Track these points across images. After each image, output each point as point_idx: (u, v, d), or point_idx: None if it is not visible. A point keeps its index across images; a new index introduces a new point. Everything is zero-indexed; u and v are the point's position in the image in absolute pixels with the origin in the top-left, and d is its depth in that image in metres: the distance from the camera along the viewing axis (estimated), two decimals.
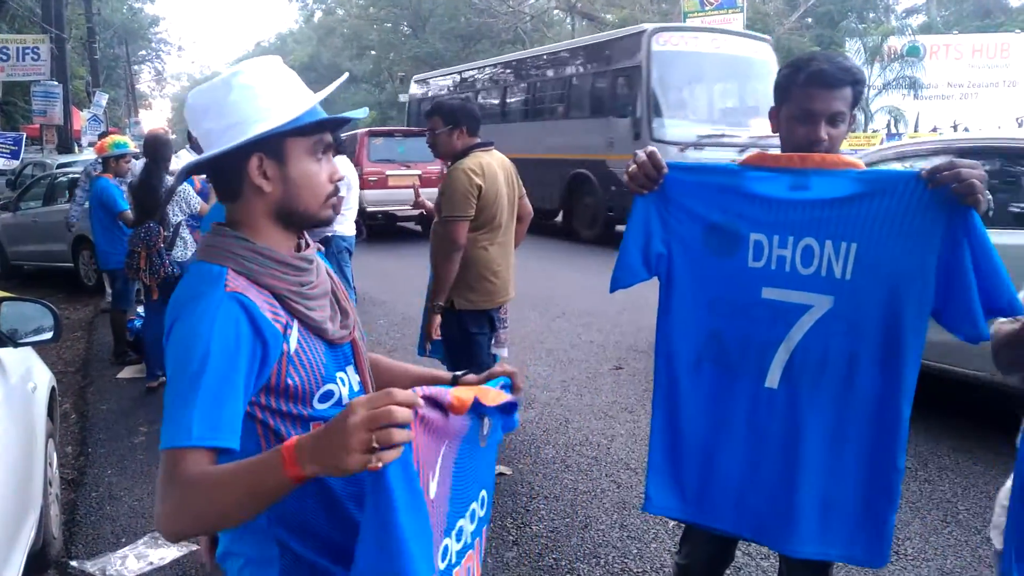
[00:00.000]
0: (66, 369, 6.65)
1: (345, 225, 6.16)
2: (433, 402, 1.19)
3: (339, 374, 1.39)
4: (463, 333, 3.77)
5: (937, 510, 3.67)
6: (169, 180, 5.57)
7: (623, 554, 3.37)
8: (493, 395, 1.33)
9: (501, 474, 4.20)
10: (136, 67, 46.44)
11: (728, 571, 2.40)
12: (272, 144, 1.31)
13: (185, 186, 5.59)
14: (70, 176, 10.16)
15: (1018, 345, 1.58)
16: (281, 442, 1.13)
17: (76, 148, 17.69)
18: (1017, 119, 25.22)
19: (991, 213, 1.61)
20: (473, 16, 36.09)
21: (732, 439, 1.85)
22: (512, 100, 16.57)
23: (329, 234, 5.72)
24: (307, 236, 1.45)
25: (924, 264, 1.62)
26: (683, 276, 1.86)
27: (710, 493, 1.89)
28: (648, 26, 12.97)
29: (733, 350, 1.84)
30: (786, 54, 32.95)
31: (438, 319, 3.72)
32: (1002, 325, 1.64)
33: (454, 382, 1.46)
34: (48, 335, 3.27)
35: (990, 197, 1.60)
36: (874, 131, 25.31)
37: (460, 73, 19.23)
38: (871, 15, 33.32)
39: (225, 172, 1.34)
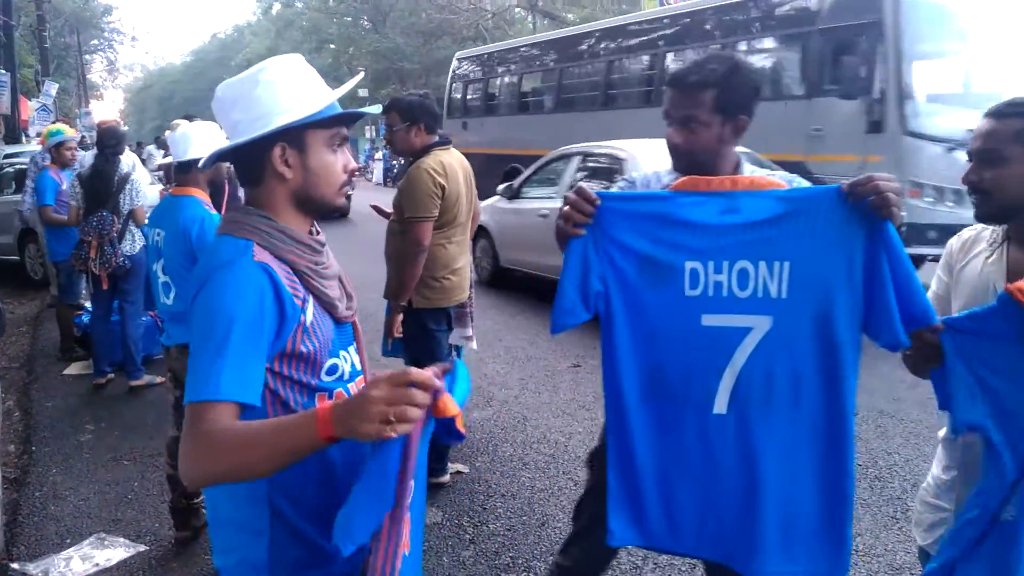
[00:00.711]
0: (10, 365, 6.47)
1: None
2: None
3: (342, 352, 1.51)
4: (422, 331, 3.75)
5: (888, 506, 3.73)
6: (123, 170, 5.52)
7: None
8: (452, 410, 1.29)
9: (458, 472, 4.17)
10: (88, 57, 45.26)
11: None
12: (294, 135, 1.42)
13: (135, 176, 5.57)
14: (16, 167, 9.86)
15: (920, 354, 1.70)
16: (286, 409, 1.34)
17: (24, 138, 17.20)
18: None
19: (904, 229, 1.69)
20: (434, 12, 35.85)
21: (687, 468, 1.82)
22: (622, 76, 12.76)
23: None
24: (315, 224, 1.56)
25: (852, 276, 1.67)
26: (621, 311, 1.79)
27: (672, 520, 1.85)
28: None
29: (676, 382, 1.79)
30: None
31: (399, 318, 3.69)
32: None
33: None
34: None
35: (905, 212, 1.67)
36: None
37: (525, 48, 15.86)
38: None
39: (249, 159, 1.45)
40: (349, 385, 1.51)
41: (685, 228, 1.73)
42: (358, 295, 1.62)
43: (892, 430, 4.66)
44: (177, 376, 3.33)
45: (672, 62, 11.21)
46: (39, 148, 8.04)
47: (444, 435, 1.28)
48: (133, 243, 5.50)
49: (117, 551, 3.48)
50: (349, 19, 43.13)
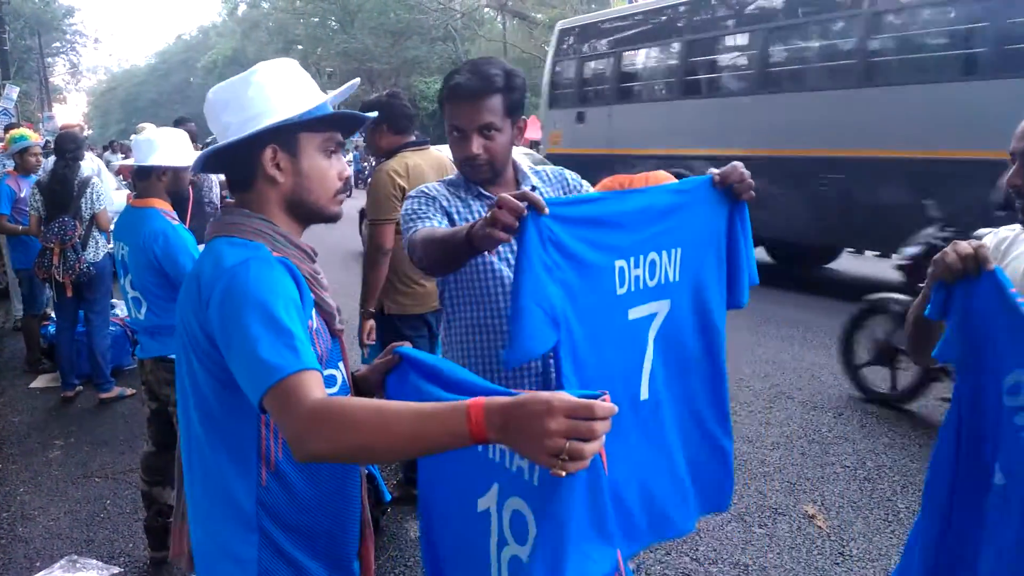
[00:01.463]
0: None
1: None
2: None
3: (336, 366, 1.50)
4: (398, 337, 3.64)
5: (879, 508, 3.71)
6: (83, 174, 5.40)
7: None
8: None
9: None
10: (50, 59, 44.44)
11: None
12: (286, 137, 1.40)
13: (96, 180, 5.46)
14: None
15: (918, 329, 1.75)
16: (269, 425, 1.32)
17: None
18: None
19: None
20: (403, 12, 35.69)
21: (630, 463, 1.83)
22: (807, 49, 9.02)
23: None
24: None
25: (719, 249, 1.94)
26: (572, 324, 1.70)
27: (626, 520, 1.86)
28: None
29: (617, 381, 1.79)
30: None
31: (369, 324, 3.61)
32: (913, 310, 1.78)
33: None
34: None
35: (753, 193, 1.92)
36: None
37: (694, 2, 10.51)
38: None
39: (240, 161, 1.42)
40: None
41: (613, 228, 1.76)
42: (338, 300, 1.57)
43: (877, 429, 4.65)
44: (152, 389, 3.21)
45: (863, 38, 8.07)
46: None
47: None
48: (97, 249, 5.34)
49: (90, 573, 3.35)
50: (316, 20, 42.82)
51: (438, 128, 12.33)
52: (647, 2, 11.74)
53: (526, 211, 1.54)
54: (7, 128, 8.81)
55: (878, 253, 9.21)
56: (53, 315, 6.06)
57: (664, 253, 1.84)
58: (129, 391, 5.51)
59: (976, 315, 1.59)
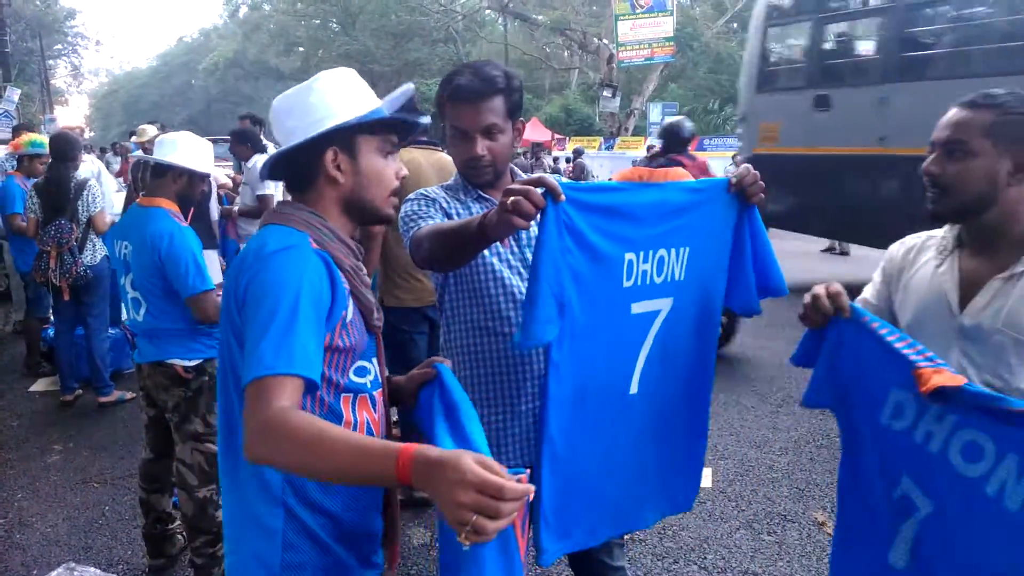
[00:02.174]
0: None
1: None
2: None
3: (370, 359, 1.56)
4: (395, 331, 3.59)
5: None
6: (79, 176, 5.32)
7: None
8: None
9: None
10: (51, 62, 44.41)
11: None
12: (346, 140, 1.49)
13: (92, 182, 5.38)
14: None
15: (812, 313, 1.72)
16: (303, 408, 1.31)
17: None
18: None
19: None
20: (404, 14, 35.63)
21: (608, 455, 1.86)
22: None
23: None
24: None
25: (722, 253, 1.92)
26: (577, 313, 1.70)
27: (594, 513, 1.90)
28: None
29: (608, 373, 1.81)
30: (714, 58, 33.73)
31: None
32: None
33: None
34: None
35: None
36: None
37: None
38: None
39: (302, 163, 1.50)
40: (375, 393, 1.57)
41: (627, 220, 1.75)
42: None
43: None
44: (150, 394, 3.15)
45: None
46: (2, 154, 7.77)
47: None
48: (94, 253, 5.28)
49: None
50: (317, 22, 42.79)
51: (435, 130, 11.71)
52: None
53: (544, 198, 1.53)
54: (16, 130, 8.73)
55: None
56: (52, 318, 6.02)
57: (673, 251, 1.84)
58: (129, 395, 5.46)
59: (843, 356, 1.67)
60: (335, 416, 1.47)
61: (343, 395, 1.48)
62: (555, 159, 20.52)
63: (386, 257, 3.68)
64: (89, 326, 5.42)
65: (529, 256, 1.97)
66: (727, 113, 29.91)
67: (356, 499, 1.50)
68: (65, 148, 5.33)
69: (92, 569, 3.38)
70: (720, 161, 19.94)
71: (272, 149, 6.31)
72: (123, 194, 8.03)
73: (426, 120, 1.63)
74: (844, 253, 12.61)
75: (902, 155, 6.80)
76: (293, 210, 1.50)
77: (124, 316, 5.73)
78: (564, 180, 1.63)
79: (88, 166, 5.88)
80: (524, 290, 1.93)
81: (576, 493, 1.82)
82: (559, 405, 1.73)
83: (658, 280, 1.82)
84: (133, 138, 9.38)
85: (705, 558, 3.39)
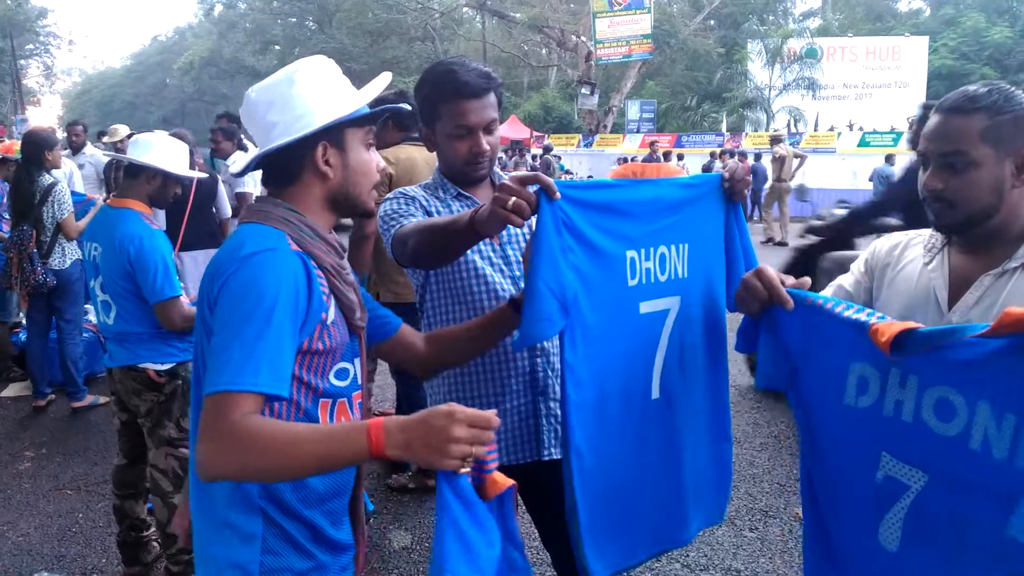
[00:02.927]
0: None
1: None
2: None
3: (352, 360, 1.53)
4: None
5: None
6: (46, 180, 5.11)
7: None
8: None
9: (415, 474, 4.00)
10: (23, 62, 43.78)
11: None
12: (334, 134, 1.46)
13: (61, 186, 5.19)
14: None
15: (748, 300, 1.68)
16: (290, 411, 1.38)
17: None
18: (908, 119, 26.45)
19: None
20: (381, 12, 35.48)
21: (640, 465, 1.79)
22: None
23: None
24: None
25: (719, 248, 1.91)
26: (585, 312, 1.66)
27: (631, 528, 1.81)
28: None
29: (626, 378, 1.75)
30: (691, 55, 33.84)
31: None
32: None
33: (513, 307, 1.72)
34: None
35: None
36: (776, 131, 26.14)
37: None
38: (770, 18, 34.33)
39: (288, 158, 1.45)
40: (353, 396, 1.53)
41: (624, 217, 1.72)
42: None
43: None
44: (121, 399, 3.09)
45: None
46: None
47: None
48: (63, 257, 5.17)
49: None
50: (294, 20, 42.57)
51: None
52: None
53: (535, 195, 1.52)
54: None
55: None
56: (24, 322, 5.91)
57: (673, 248, 1.81)
58: (103, 399, 5.37)
59: (788, 338, 1.62)
60: (311, 421, 1.44)
61: (321, 400, 1.45)
62: (534, 156, 20.56)
63: (383, 251, 3.68)
64: (62, 330, 5.33)
65: (510, 254, 1.97)
66: (704, 110, 30.04)
67: (331, 505, 1.48)
68: (31, 149, 5.15)
69: None
70: (699, 158, 20.03)
71: (253, 147, 6.23)
72: (98, 196, 7.92)
73: (406, 106, 1.63)
74: (783, 243, 12.92)
75: None
76: (271, 207, 1.45)
77: (94, 319, 5.67)
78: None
79: (64, 166, 5.76)
80: (507, 288, 1.92)
81: (611, 507, 1.74)
82: (581, 411, 1.65)
83: (662, 278, 1.79)
84: (104, 138, 9.25)
85: (687, 556, 3.38)
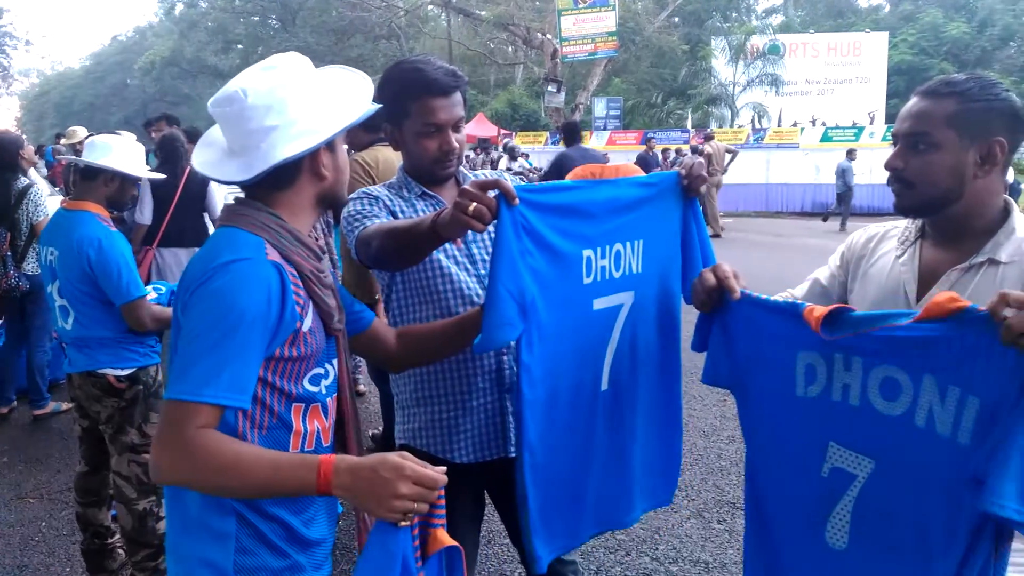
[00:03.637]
0: None
1: None
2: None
3: (327, 364, 1.52)
4: None
5: None
6: (22, 182, 5.01)
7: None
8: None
9: None
10: None
11: None
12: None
13: (36, 188, 5.09)
14: None
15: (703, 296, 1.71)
16: (262, 415, 1.39)
17: None
18: (869, 114, 26.84)
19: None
20: (346, 10, 35.16)
21: (586, 454, 1.85)
22: None
23: None
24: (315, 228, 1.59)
25: (675, 243, 1.93)
26: (543, 312, 1.69)
27: (579, 511, 1.87)
28: None
29: (579, 371, 1.79)
30: (656, 52, 34.01)
31: None
32: None
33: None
34: None
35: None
36: (740, 127, 26.38)
37: None
38: (734, 15, 34.62)
39: (289, 164, 1.41)
40: (327, 400, 1.53)
41: (582, 217, 1.75)
42: None
43: None
44: (82, 405, 3.04)
45: None
46: None
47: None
48: (37, 263, 5.07)
49: None
50: (256, 18, 42.06)
51: None
52: None
53: (496, 200, 1.53)
54: None
55: None
56: None
57: (628, 244, 1.84)
58: (65, 405, 5.27)
59: (738, 336, 1.66)
60: (284, 426, 1.44)
61: (294, 404, 1.45)
62: (498, 158, 20.60)
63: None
64: (31, 336, 5.24)
65: (475, 252, 1.98)
66: (670, 107, 30.22)
67: (305, 505, 1.47)
68: (3, 153, 5.03)
69: None
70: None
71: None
72: (57, 198, 7.77)
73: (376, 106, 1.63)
74: (716, 235, 13.24)
75: None
76: (252, 211, 1.43)
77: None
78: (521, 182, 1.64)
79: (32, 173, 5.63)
80: (472, 287, 1.94)
81: (558, 496, 1.79)
82: (534, 409, 1.70)
83: (616, 275, 1.82)
84: (62, 140, 9.09)
85: (657, 549, 3.41)
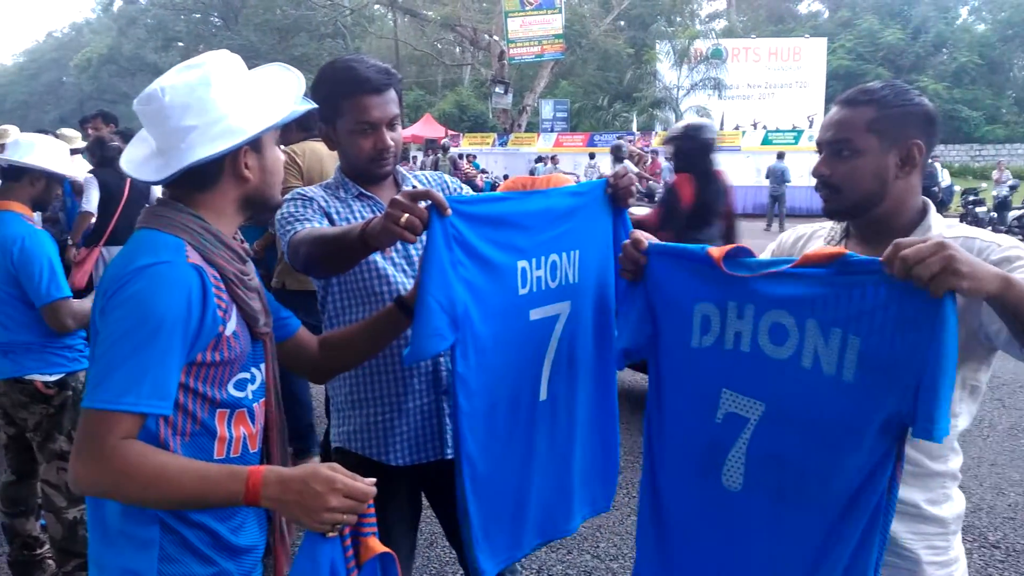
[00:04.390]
0: None
1: None
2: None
3: (253, 368, 1.49)
4: (293, 311, 3.63)
5: None
6: None
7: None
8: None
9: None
10: None
11: None
12: (255, 137, 1.40)
13: None
14: None
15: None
16: (185, 423, 1.36)
17: None
18: (808, 117, 27.49)
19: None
20: (290, 8, 34.75)
21: (526, 462, 1.85)
22: None
23: None
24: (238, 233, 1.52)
25: (607, 250, 1.94)
26: (477, 323, 1.69)
27: (519, 522, 1.87)
28: None
29: (516, 381, 1.80)
30: (602, 55, 34.35)
31: None
32: None
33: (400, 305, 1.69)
34: None
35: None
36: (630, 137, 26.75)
37: None
38: (678, 19, 35.15)
39: (206, 165, 1.36)
40: (254, 405, 1.50)
41: (515, 229, 1.75)
42: None
43: None
44: (8, 412, 2.95)
45: None
46: None
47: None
48: None
49: None
50: (198, 16, 41.28)
51: None
52: None
53: (427, 210, 1.52)
54: None
55: None
56: None
57: (564, 255, 1.84)
58: None
59: (653, 294, 1.69)
60: (208, 432, 1.41)
61: (219, 410, 1.42)
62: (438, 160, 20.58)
63: None
64: None
65: (413, 253, 1.96)
66: (616, 109, 30.53)
67: (232, 512, 1.44)
68: None
69: None
70: (611, 156, 20.33)
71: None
72: None
73: (311, 104, 1.61)
74: None
75: None
76: (173, 212, 1.40)
77: None
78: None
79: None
80: (410, 288, 1.91)
81: (500, 508, 1.79)
82: (472, 421, 1.69)
83: (553, 285, 1.83)
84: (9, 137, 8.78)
85: (598, 546, 3.44)
